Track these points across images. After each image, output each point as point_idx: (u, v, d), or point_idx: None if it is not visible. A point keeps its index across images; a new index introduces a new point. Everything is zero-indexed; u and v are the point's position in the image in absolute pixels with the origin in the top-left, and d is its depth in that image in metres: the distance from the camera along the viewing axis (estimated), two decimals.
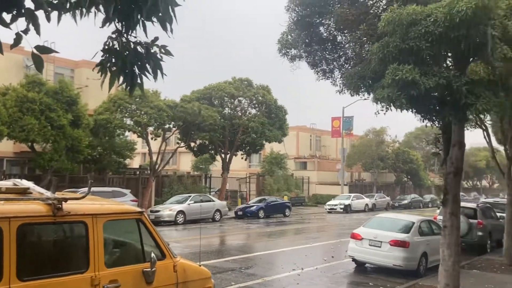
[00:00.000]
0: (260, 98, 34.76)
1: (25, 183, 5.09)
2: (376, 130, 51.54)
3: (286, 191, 42.02)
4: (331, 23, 10.93)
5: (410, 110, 8.40)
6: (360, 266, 13.56)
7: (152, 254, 5.11)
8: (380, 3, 10.26)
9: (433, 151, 11.99)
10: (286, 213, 31.85)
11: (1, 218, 4.17)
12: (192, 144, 35.22)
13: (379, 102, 8.42)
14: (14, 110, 21.13)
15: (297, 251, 16.24)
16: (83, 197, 4.95)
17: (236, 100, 34.97)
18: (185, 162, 54.69)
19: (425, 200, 51.06)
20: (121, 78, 3.24)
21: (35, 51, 2.78)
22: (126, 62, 3.10)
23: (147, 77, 3.29)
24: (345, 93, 11.80)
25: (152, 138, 29.61)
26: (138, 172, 33.24)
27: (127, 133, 30.52)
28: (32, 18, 2.46)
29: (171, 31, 3.09)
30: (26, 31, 2.62)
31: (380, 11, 9.70)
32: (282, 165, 45.15)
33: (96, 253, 4.76)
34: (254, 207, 30.20)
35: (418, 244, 12.72)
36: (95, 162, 28.33)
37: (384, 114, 9.10)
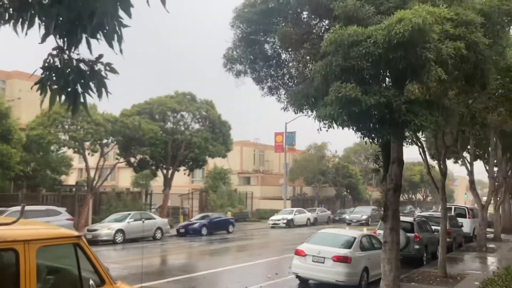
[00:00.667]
0: (203, 113, 34.53)
1: None
2: (317, 146, 52.72)
3: (229, 207, 41.78)
4: (276, 41, 11.07)
5: (351, 127, 8.62)
6: (304, 283, 13.60)
7: (91, 281, 4.81)
8: (323, 23, 10.54)
9: (373, 168, 12.37)
10: (230, 230, 31.60)
11: None
12: (132, 160, 34.25)
13: (321, 119, 8.58)
14: None
15: (241, 269, 16.08)
16: (14, 222, 4.57)
17: (179, 114, 34.50)
18: (125, 178, 53.08)
19: None
20: (63, 97, 3.01)
21: None
22: (68, 81, 2.90)
23: (91, 96, 3.09)
24: (289, 110, 11.95)
25: (89, 154, 28.45)
26: (74, 189, 31.82)
27: (64, 149, 29.12)
28: None
29: (121, 51, 2.92)
30: None
31: (322, 31, 9.95)
32: (225, 180, 44.97)
33: (27, 282, 4.38)
34: (197, 224, 29.71)
35: (360, 259, 12.96)
36: (28, 178, 26.83)
37: (327, 131, 9.30)
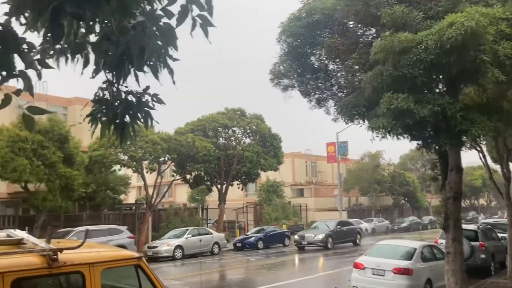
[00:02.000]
0: (254, 127, 34.82)
1: (18, 234, 4.93)
2: (371, 154, 51.62)
3: (284, 219, 41.61)
4: (322, 53, 11.02)
5: (406, 137, 8.39)
6: None
7: None
8: (370, 31, 10.39)
9: (431, 176, 11.95)
10: (286, 243, 31.44)
11: None
12: (188, 176, 35.00)
13: (374, 130, 8.41)
14: (6, 151, 20.93)
15: (300, 283, 15.92)
16: (79, 245, 4.79)
17: (230, 130, 35.01)
18: (181, 194, 54.29)
19: (424, 222, 50.73)
20: (112, 128, 3.16)
21: (26, 112, 2.71)
22: (117, 113, 3.03)
23: (139, 126, 3.23)
24: (339, 121, 11.82)
25: (147, 172, 29.39)
26: (134, 207, 32.86)
27: (118, 167, 30.18)
28: (26, 80, 2.40)
29: (173, 82, 3.05)
30: (18, 93, 2.56)
31: (370, 40, 9.80)
32: (279, 193, 44.90)
33: None
34: (253, 238, 29.80)
35: (422, 271, 12.51)
36: (90, 199, 27.98)
37: (380, 140, 9.10)
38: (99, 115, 3.10)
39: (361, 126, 10.68)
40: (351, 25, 10.31)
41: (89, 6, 2.34)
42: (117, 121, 3.09)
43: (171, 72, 2.96)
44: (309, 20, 10.11)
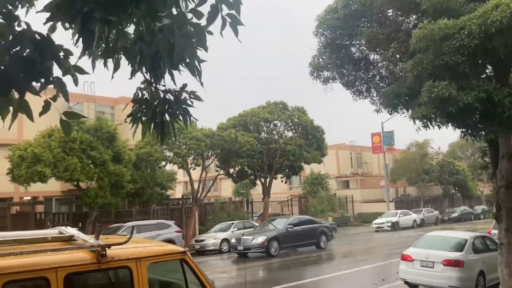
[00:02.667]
0: (295, 120, 34.68)
1: (69, 231, 5.19)
2: (418, 143, 50.23)
3: (330, 212, 41.34)
4: (362, 43, 10.84)
5: (451, 125, 8.13)
6: None
7: None
8: (410, 18, 10.11)
9: (481, 164, 11.54)
10: (333, 235, 31.15)
11: (49, 268, 4.25)
12: (231, 171, 35.40)
13: (416, 120, 8.21)
14: (58, 151, 21.91)
15: (346, 276, 15.81)
16: (126, 241, 4.99)
17: (272, 124, 35.03)
18: (226, 188, 54.95)
19: (476, 211, 48.91)
20: (152, 127, 3.25)
21: (63, 117, 2.85)
22: (156, 112, 3.12)
23: (179, 124, 3.30)
24: (382, 111, 11.62)
25: (192, 168, 29.98)
26: (181, 202, 33.62)
27: (163, 163, 30.93)
28: (61, 87, 2.53)
29: (201, 84, 3.11)
30: (54, 99, 2.69)
31: (410, 28, 9.54)
32: (324, 185, 44.59)
33: None
34: None
35: (474, 263, 12.11)
36: (139, 195, 28.88)
37: (426, 130, 8.86)
38: (139, 115, 3.20)
39: (405, 116, 10.46)
40: (390, 13, 10.08)
41: (118, 12, 2.43)
42: (157, 120, 3.17)
43: (199, 73, 3.02)
44: (346, 11, 9.97)
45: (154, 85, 3.20)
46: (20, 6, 3.04)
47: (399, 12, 9.96)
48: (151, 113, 3.17)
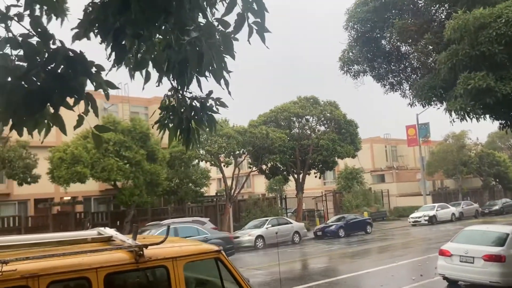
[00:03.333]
0: (328, 114, 34.39)
1: (108, 232, 5.34)
2: (455, 135, 48.90)
3: (365, 207, 40.82)
4: (393, 36, 10.65)
5: (489, 117, 7.89)
6: (453, 284, 12.70)
7: None
8: (443, 8, 9.85)
9: None
10: (368, 230, 30.86)
11: (89, 269, 4.39)
12: (264, 167, 35.45)
13: (452, 112, 8.01)
14: (94, 152, 22.52)
15: (383, 271, 15.60)
16: (162, 241, 5.09)
17: (303, 119, 34.83)
18: (259, 184, 55.10)
19: None
20: (178, 134, 3.29)
21: (95, 131, 2.93)
22: (183, 118, 3.17)
23: (204, 131, 3.35)
24: (416, 105, 11.39)
25: (224, 166, 30.20)
26: (215, 199, 33.97)
27: (196, 161, 31.28)
28: (91, 102, 2.62)
29: (229, 93, 3.14)
30: (86, 112, 2.79)
31: (444, 18, 9.30)
32: (358, 179, 44.08)
33: None
34: (334, 226, 29.58)
35: None
36: (174, 193, 29.38)
37: (461, 122, 8.64)
38: (166, 122, 3.26)
39: (438, 108, 10.23)
40: (422, 4, 9.85)
41: (148, 26, 2.49)
42: (183, 126, 3.22)
43: (226, 83, 3.06)
44: (376, 3, 9.81)
45: (181, 92, 3.24)
46: (51, 18, 3.15)
47: (432, 2, 9.72)
48: (177, 119, 3.22)
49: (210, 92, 3.31)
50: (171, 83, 3.15)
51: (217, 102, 3.32)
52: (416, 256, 18.93)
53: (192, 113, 3.24)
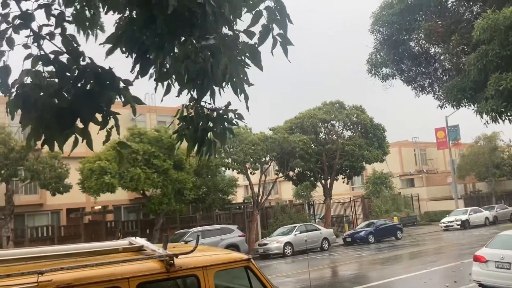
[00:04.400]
0: (354, 119, 34.02)
1: (139, 241, 5.40)
2: (487, 136, 47.63)
3: (395, 212, 40.14)
4: (421, 37, 10.49)
5: None
6: None
7: None
8: (472, 8, 9.64)
9: None
10: (398, 236, 30.32)
11: (122, 278, 4.45)
12: (291, 173, 35.28)
13: (483, 114, 7.81)
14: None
15: (416, 278, 15.27)
16: (193, 250, 5.11)
17: (329, 124, 34.56)
18: (287, 190, 54.86)
19: None
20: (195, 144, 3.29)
21: (118, 148, 2.98)
22: (199, 129, 3.18)
23: (221, 143, 3.34)
24: (446, 107, 11.17)
25: (251, 173, 30.20)
26: (242, 206, 34.00)
27: (223, 169, 31.37)
28: (114, 118, 2.66)
29: (247, 108, 3.13)
30: (111, 128, 2.83)
31: (472, 18, 9.10)
32: (387, 184, 43.42)
33: None
34: (363, 232, 29.18)
35: None
36: (202, 201, 29.54)
37: (493, 123, 8.41)
38: (184, 132, 3.27)
39: (470, 109, 9.98)
40: (450, 4, 9.67)
41: (173, 40, 2.52)
42: (200, 137, 3.22)
43: (246, 97, 3.05)
44: (402, 5, 9.68)
45: (199, 102, 3.24)
46: (88, 34, 3.22)
47: (460, 2, 9.53)
48: (194, 130, 3.22)
49: (229, 103, 3.31)
50: (191, 94, 3.16)
51: (235, 115, 3.32)
52: (449, 262, 18.46)
53: (210, 124, 3.24)
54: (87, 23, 3.17)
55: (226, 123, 3.28)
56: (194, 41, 2.65)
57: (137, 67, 2.56)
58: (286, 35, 2.84)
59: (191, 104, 3.24)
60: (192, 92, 3.13)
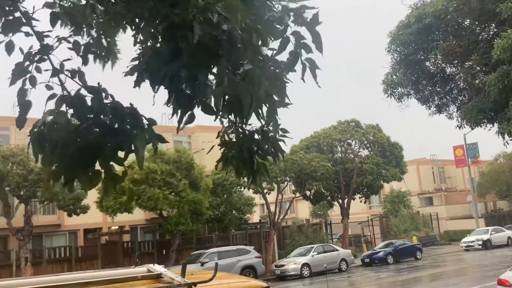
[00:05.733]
0: (371, 137, 33.79)
1: (157, 269, 5.34)
2: (507, 154, 46.79)
3: (414, 231, 39.41)
4: (438, 57, 10.42)
5: None
6: None
7: None
8: (489, 28, 9.56)
9: None
10: (418, 256, 29.70)
11: None
12: (308, 193, 35.00)
13: (506, 135, 7.66)
14: (140, 183, 22.93)
15: None
16: (211, 279, 5.04)
17: (345, 143, 34.36)
18: (303, 209, 54.39)
19: None
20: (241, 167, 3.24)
21: (130, 185, 2.95)
22: (245, 152, 3.10)
23: (268, 161, 3.24)
24: (464, 127, 11.01)
25: (267, 193, 30.02)
26: (259, 227, 33.74)
27: (238, 188, 31.24)
28: (139, 157, 2.65)
29: (283, 142, 3.09)
30: (132, 167, 2.81)
31: (490, 38, 9.01)
32: (405, 203, 42.78)
33: None
34: (382, 253, 28.67)
35: None
36: (218, 221, 29.41)
37: None
38: (229, 156, 3.19)
39: (489, 130, 9.82)
40: (467, 24, 9.61)
41: (200, 70, 2.52)
42: (250, 160, 3.14)
43: (275, 126, 3.02)
44: (420, 25, 9.65)
45: (240, 126, 3.18)
46: (105, 63, 3.25)
47: (477, 23, 9.46)
48: (240, 154, 3.15)
49: (270, 121, 3.17)
50: (229, 118, 3.13)
51: (280, 131, 3.22)
52: (472, 284, 17.96)
53: (255, 147, 3.16)
54: (103, 52, 3.21)
55: (274, 143, 3.19)
56: (228, 70, 2.63)
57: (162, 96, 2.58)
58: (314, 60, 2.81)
59: (231, 128, 3.16)
60: (230, 116, 3.06)
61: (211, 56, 2.52)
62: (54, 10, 2.98)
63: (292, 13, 2.84)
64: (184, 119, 2.76)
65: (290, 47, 2.85)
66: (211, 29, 2.48)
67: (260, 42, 2.78)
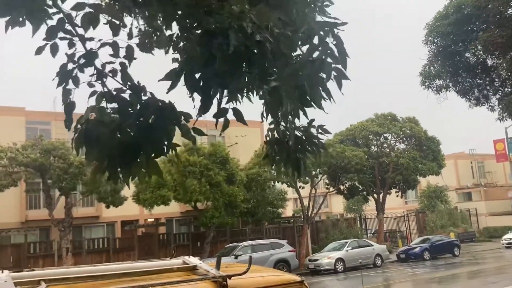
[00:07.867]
0: (407, 131, 33.09)
1: (192, 261, 5.42)
2: None
3: (451, 227, 38.48)
4: (478, 48, 10.08)
5: None
6: None
7: None
8: None
9: None
10: (455, 253, 29.00)
11: None
12: (342, 187, 34.69)
13: None
14: (177, 176, 23.35)
15: None
16: (245, 271, 5.08)
17: (382, 137, 33.79)
18: (337, 204, 53.96)
19: None
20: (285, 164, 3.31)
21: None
22: (289, 150, 3.18)
23: (311, 159, 3.34)
24: (506, 120, 10.65)
25: (300, 187, 29.93)
26: (292, 220, 33.70)
27: (272, 183, 31.28)
28: (174, 151, 2.75)
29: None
30: (172, 164, 2.89)
31: None
32: (443, 198, 41.77)
33: None
34: (418, 249, 28.13)
35: None
36: (251, 214, 29.54)
37: None
38: (273, 154, 3.29)
39: None
40: (510, 14, 9.25)
41: (232, 78, 2.56)
42: (295, 159, 3.24)
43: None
44: (458, 16, 9.36)
45: (282, 124, 3.25)
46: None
47: None
48: (281, 150, 3.23)
49: (312, 120, 3.30)
50: (272, 116, 3.18)
51: (320, 130, 3.33)
52: None
53: (297, 144, 3.25)
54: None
55: (314, 140, 3.28)
56: (257, 80, 2.69)
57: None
58: (344, 70, 2.81)
59: (274, 126, 3.26)
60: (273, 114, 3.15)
61: (244, 65, 2.56)
62: (90, 10, 3.05)
63: (327, 28, 2.86)
64: (220, 121, 2.84)
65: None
66: (245, 39, 2.52)
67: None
